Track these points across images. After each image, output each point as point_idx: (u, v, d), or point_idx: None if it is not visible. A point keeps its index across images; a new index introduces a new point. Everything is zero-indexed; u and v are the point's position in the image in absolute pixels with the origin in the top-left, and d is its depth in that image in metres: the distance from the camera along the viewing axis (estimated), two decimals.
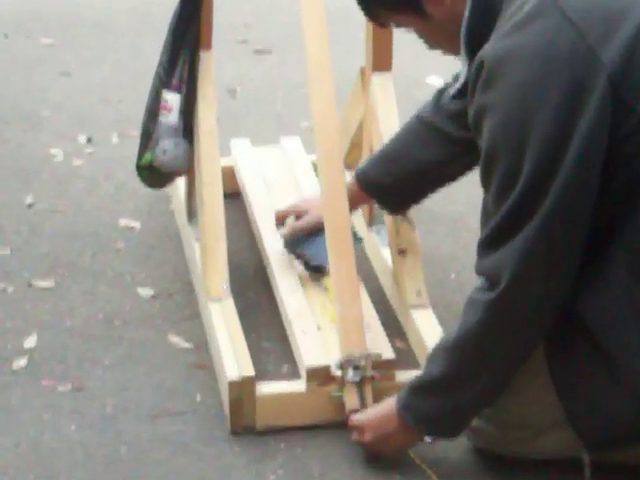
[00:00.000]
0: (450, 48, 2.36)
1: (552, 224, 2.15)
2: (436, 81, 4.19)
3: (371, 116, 3.15)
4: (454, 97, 2.49)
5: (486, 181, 2.25)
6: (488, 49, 2.14)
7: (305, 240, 3.08)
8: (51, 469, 2.53)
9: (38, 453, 2.58)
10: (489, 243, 2.25)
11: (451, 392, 2.41)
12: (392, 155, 2.90)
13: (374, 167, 2.93)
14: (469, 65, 2.23)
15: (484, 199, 2.36)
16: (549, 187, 2.12)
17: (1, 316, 3.04)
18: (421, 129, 2.89)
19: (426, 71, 4.29)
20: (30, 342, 2.94)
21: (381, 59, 3.16)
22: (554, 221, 2.15)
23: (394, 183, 2.89)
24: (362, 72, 3.23)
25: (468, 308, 2.34)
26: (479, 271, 2.31)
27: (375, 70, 3.17)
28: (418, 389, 2.44)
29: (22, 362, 2.87)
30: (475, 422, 2.53)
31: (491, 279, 2.25)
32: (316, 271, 3.02)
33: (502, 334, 2.33)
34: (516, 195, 2.14)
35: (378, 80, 3.16)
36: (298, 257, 3.07)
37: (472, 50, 2.23)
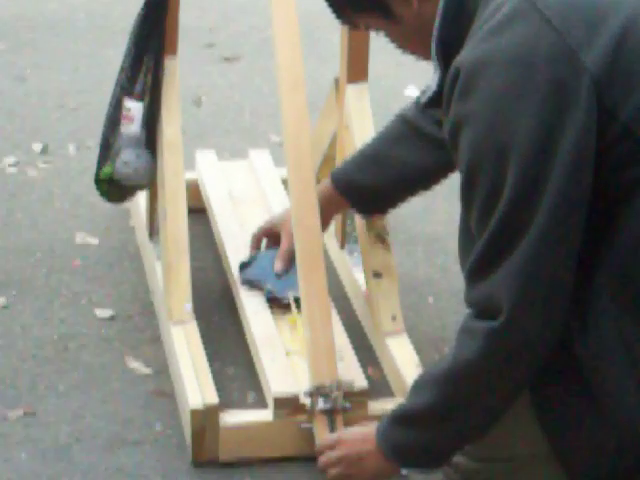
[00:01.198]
0: (422, 53, 2.30)
1: (546, 242, 2.07)
2: (415, 92, 4.14)
3: (345, 129, 3.13)
4: (426, 107, 2.41)
5: (467, 200, 2.17)
6: (464, 56, 2.09)
7: (264, 271, 3.11)
8: None
9: None
10: (478, 269, 2.17)
11: (437, 425, 2.36)
12: (373, 155, 2.88)
13: (353, 167, 2.91)
14: (442, 72, 2.19)
15: (462, 219, 2.30)
16: (539, 202, 2.05)
17: None
18: (405, 130, 2.88)
19: (405, 82, 4.29)
20: None
21: (357, 69, 3.16)
22: (548, 238, 2.07)
23: (373, 185, 2.87)
24: (336, 82, 3.22)
25: (464, 337, 2.24)
26: (471, 300, 2.22)
27: (350, 81, 3.17)
28: (400, 419, 2.38)
29: None
30: (466, 464, 2.50)
31: (487, 307, 2.17)
32: (275, 303, 3.01)
33: (503, 365, 2.23)
34: (503, 213, 2.06)
35: (353, 91, 3.15)
36: (254, 286, 3.08)
37: (445, 55, 2.20)
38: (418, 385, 2.36)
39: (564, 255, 2.13)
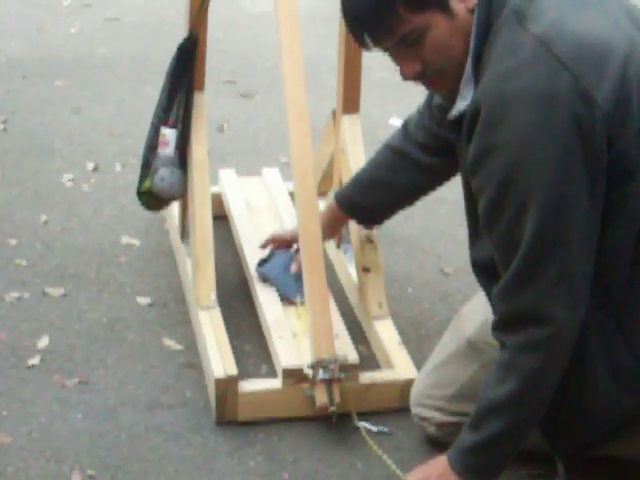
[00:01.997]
0: (456, 64, 2.16)
1: (578, 253, 2.08)
2: (397, 122, 4.08)
3: (341, 152, 3.19)
4: (447, 123, 2.31)
5: (492, 217, 2.14)
6: (484, 93, 2.07)
7: (278, 270, 3.10)
8: (59, 453, 2.56)
9: (49, 439, 2.61)
10: (514, 285, 2.13)
11: (510, 444, 2.33)
12: (369, 181, 2.84)
13: (353, 191, 2.87)
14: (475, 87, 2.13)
15: (472, 229, 2.34)
16: (568, 218, 2.04)
17: (17, 319, 3.05)
18: (391, 157, 2.82)
19: (389, 114, 4.25)
20: (43, 342, 2.95)
21: (350, 103, 3.19)
22: (579, 249, 2.08)
23: (371, 205, 2.85)
24: (333, 114, 3.26)
25: (518, 354, 2.18)
26: (511, 313, 2.18)
27: (345, 112, 3.20)
28: (474, 449, 2.29)
29: (35, 360, 2.88)
30: (440, 418, 2.55)
31: (533, 317, 2.13)
32: (287, 301, 3.01)
33: (562, 363, 2.21)
34: (536, 229, 2.04)
35: (347, 121, 3.19)
36: (267, 281, 3.09)
37: (476, 73, 2.13)
38: (482, 415, 2.27)
39: (587, 262, 2.11)
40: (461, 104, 2.17)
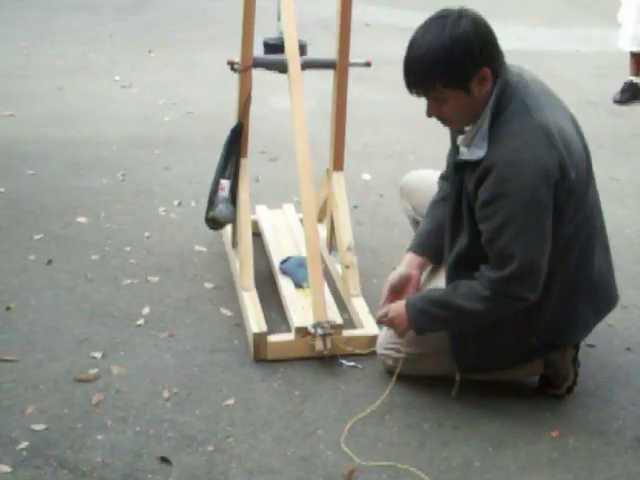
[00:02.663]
0: (467, 121, 2.20)
1: (539, 233, 2.15)
2: (368, 177, 4.16)
3: (332, 195, 3.16)
4: (460, 165, 2.24)
5: (499, 234, 2.13)
6: (497, 157, 2.09)
7: (293, 267, 3.09)
8: (155, 378, 2.58)
9: (148, 370, 2.63)
10: (509, 278, 2.15)
11: (442, 322, 2.35)
12: (432, 231, 2.53)
13: (426, 241, 2.55)
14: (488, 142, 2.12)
15: (467, 242, 2.29)
16: (540, 218, 2.12)
17: (130, 296, 3.04)
18: (442, 207, 2.51)
19: (362, 172, 4.19)
20: (145, 310, 2.95)
21: (338, 164, 3.16)
22: (540, 232, 2.14)
23: (441, 243, 2.47)
24: (327, 171, 3.22)
25: (494, 302, 2.20)
26: (502, 290, 2.17)
27: (335, 169, 3.18)
28: (423, 311, 2.33)
29: (141, 321, 2.89)
30: (394, 355, 2.51)
31: (513, 295, 2.19)
32: (297, 286, 3.00)
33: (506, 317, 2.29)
34: (521, 224, 2.10)
35: (336, 176, 3.16)
36: (286, 274, 3.09)
37: (491, 123, 2.13)
38: (446, 304, 2.28)
39: (546, 242, 2.16)
40: (478, 152, 2.14)
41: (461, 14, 2.08)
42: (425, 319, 2.36)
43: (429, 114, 2.22)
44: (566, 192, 2.15)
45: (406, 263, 2.56)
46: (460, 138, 2.30)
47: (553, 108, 2.20)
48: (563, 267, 2.28)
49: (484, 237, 2.20)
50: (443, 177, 2.61)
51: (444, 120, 2.25)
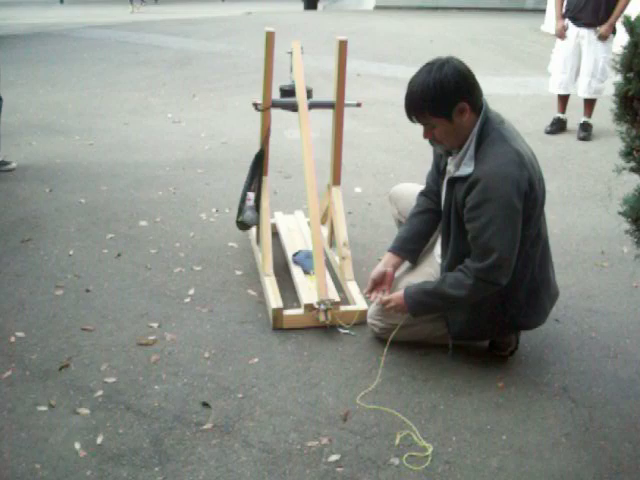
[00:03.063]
0: (453, 144, 2.21)
1: (511, 232, 2.14)
2: (359, 190, 4.13)
3: (331, 204, 3.13)
4: (452, 178, 2.23)
5: (484, 229, 2.13)
6: (484, 170, 2.10)
7: (302, 258, 3.08)
8: (198, 345, 2.57)
9: (193, 337, 2.63)
10: (490, 267, 2.15)
11: (434, 306, 2.34)
12: (411, 235, 2.53)
13: (404, 243, 2.54)
14: (475, 164, 2.13)
15: (456, 238, 2.27)
16: (512, 221, 2.12)
17: (179, 282, 3.03)
18: (422, 216, 2.53)
19: (354, 185, 4.18)
20: (191, 292, 2.95)
21: (336, 180, 3.15)
22: (512, 231, 2.14)
23: (416, 248, 2.54)
24: (328, 185, 3.20)
25: (474, 287, 2.19)
26: (482, 276, 2.17)
27: (334, 184, 3.17)
28: (423, 295, 2.32)
29: (187, 300, 2.89)
30: (381, 325, 2.51)
31: (491, 281, 2.18)
32: (306, 273, 2.98)
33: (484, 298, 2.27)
34: (500, 224, 2.11)
35: (335, 189, 3.15)
36: (297, 264, 3.07)
37: (476, 148, 2.15)
38: (435, 293, 2.28)
39: (517, 240, 2.16)
40: (467, 169, 2.16)
41: (445, 61, 2.14)
42: (420, 307, 2.36)
43: (425, 136, 2.24)
44: (532, 201, 2.18)
45: (385, 261, 2.56)
46: (450, 160, 2.30)
47: (520, 140, 2.23)
48: (530, 263, 2.29)
49: (470, 234, 2.20)
50: (422, 193, 2.59)
51: (435, 141, 2.25)
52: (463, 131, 2.18)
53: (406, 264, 2.61)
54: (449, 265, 2.34)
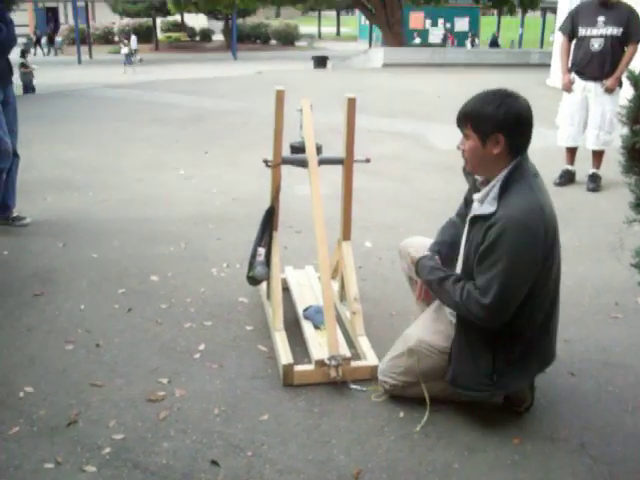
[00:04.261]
0: (475, 168, 2.25)
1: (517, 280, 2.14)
2: (369, 244, 4.16)
3: (341, 259, 3.13)
4: (475, 217, 2.24)
5: (491, 258, 2.12)
6: (507, 213, 2.10)
7: (313, 313, 3.06)
8: (207, 401, 2.53)
9: (202, 393, 2.58)
10: (490, 286, 2.13)
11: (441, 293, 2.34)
12: (448, 240, 2.52)
13: (440, 247, 2.53)
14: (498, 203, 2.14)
15: (465, 268, 2.28)
16: (523, 268, 2.12)
17: (189, 336, 3.02)
18: (454, 225, 2.52)
19: (364, 240, 4.20)
20: (202, 347, 2.92)
21: (346, 235, 3.16)
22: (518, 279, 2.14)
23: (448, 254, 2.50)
24: (338, 240, 3.19)
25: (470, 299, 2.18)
26: (476, 307, 2.16)
27: (344, 239, 3.16)
28: (433, 278, 2.34)
29: (197, 355, 2.86)
30: (392, 382, 2.49)
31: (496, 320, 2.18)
32: (316, 328, 2.95)
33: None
34: (507, 267, 2.10)
35: (345, 244, 3.15)
36: (307, 319, 3.05)
37: (502, 190, 2.15)
38: (441, 280, 2.30)
39: (521, 289, 2.16)
40: (489, 208, 2.16)
41: (515, 96, 2.18)
42: (425, 274, 2.39)
43: (458, 144, 2.26)
44: (545, 261, 2.17)
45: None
46: (476, 196, 2.31)
47: (547, 197, 2.22)
48: (531, 324, 2.26)
49: (476, 269, 2.19)
50: (457, 214, 2.59)
51: (463, 156, 2.27)
52: (490, 163, 2.19)
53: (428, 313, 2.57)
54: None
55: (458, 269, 2.41)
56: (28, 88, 15.41)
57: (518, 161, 2.19)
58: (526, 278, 2.15)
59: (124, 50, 24.95)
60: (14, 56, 7.59)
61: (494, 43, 32.16)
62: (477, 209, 2.27)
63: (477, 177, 2.32)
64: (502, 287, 2.12)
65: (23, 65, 15.50)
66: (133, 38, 27.69)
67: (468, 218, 2.32)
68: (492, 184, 2.21)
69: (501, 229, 2.10)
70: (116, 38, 28.89)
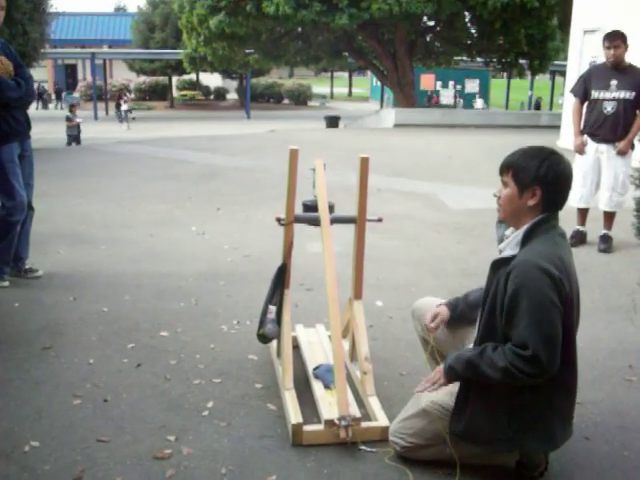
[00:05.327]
0: (507, 215, 2.29)
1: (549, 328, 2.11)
2: (381, 304, 4.15)
3: (352, 318, 3.12)
4: (499, 264, 2.25)
5: (514, 315, 2.12)
6: (522, 259, 2.14)
7: (323, 372, 3.04)
8: (215, 460, 2.51)
9: (210, 452, 2.54)
10: (526, 337, 2.09)
11: (467, 374, 2.26)
12: (469, 303, 2.57)
13: (459, 307, 2.58)
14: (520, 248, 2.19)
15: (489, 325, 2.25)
16: (550, 316, 2.10)
17: (198, 393, 3.00)
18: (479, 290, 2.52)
19: (375, 298, 4.20)
20: (210, 404, 2.90)
21: (358, 293, 3.15)
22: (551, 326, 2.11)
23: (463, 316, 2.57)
24: (350, 299, 3.19)
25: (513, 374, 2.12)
26: (521, 363, 2.09)
27: (355, 298, 3.16)
28: (465, 364, 2.23)
29: (206, 412, 2.83)
30: (402, 444, 2.46)
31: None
32: (326, 387, 2.93)
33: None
34: (535, 319, 2.09)
35: (356, 303, 3.15)
36: (317, 378, 3.03)
37: (525, 237, 2.20)
38: (470, 363, 2.21)
39: (556, 335, 2.12)
40: (509, 252, 2.22)
41: (558, 155, 2.24)
42: (452, 372, 2.29)
43: (495, 193, 2.34)
44: (565, 300, 2.16)
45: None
46: (501, 245, 2.36)
47: (569, 256, 2.25)
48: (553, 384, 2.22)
49: (508, 328, 2.17)
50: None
51: (498, 203, 2.33)
52: (522, 214, 2.25)
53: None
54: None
55: (480, 324, 2.37)
56: (73, 140, 16.63)
57: (547, 216, 2.25)
58: (554, 316, 2.12)
59: (124, 107, 25.85)
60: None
61: (537, 107, 32.61)
62: (500, 254, 2.31)
63: (506, 233, 2.38)
64: (537, 332, 2.09)
65: (68, 119, 16.86)
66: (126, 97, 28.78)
67: (490, 263, 2.33)
68: (517, 233, 2.28)
69: (520, 275, 2.12)
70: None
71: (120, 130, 22.75)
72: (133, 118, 26.21)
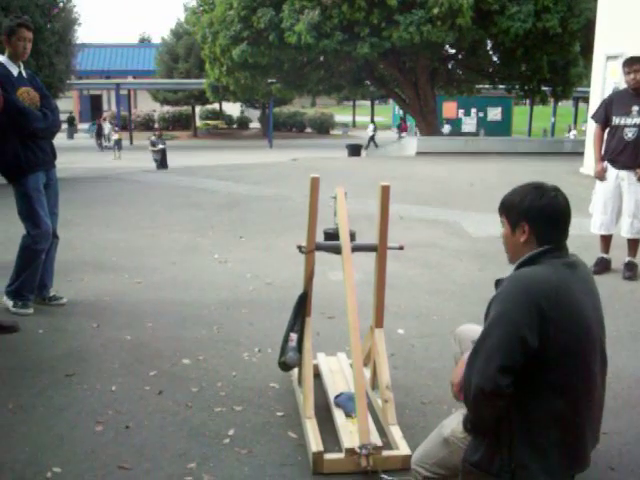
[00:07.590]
0: (508, 252, 2.28)
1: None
2: (402, 332, 4.13)
3: (374, 346, 3.13)
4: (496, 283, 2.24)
5: (486, 331, 2.06)
6: (512, 275, 2.13)
7: (344, 400, 3.05)
8: None
9: None
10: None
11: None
12: None
13: None
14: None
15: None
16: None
17: (219, 420, 3.01)
18: None
19: (397, 326, 4.20)
20: (231, 432, 2.91)
21: (379, 322, 3.17)
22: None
23: None
24: (371, 327, 3.20)
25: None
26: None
27: (376, 326, 3.18)
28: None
29: (227, 440, 2.85)
30: (424, 473, 2.34)
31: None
32: (347, 416, 2.93)
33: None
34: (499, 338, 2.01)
35: (377, 331, 3.17)
36: (338, 406, 3.04)
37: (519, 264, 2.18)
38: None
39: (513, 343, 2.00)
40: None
41: (551, 190, 2.19)
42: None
43: (500, 233, 2.33)
44: (546, 337, 2.03)
45: None
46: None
47: (575, 282, 2.16)
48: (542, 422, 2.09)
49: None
50: None
51: (502, 241, 2.32)
52: (520, 253, 2.22)
53: None
54: None
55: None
56: (160, 164, 17.75)
57: (548, 248, 2.19)
58: (511, 330, 2.00)
59: (114, 137, 26.43)
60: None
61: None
62: None
63: None
64: (485, 337, 2.04)
65: (153, 144, 18.23)
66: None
67: (494, 283, 2.35)
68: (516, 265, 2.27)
69: (501, 287, 2.11)
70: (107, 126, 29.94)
71: (109, 160, 22.91)
72: (120, 148, 26.35)
